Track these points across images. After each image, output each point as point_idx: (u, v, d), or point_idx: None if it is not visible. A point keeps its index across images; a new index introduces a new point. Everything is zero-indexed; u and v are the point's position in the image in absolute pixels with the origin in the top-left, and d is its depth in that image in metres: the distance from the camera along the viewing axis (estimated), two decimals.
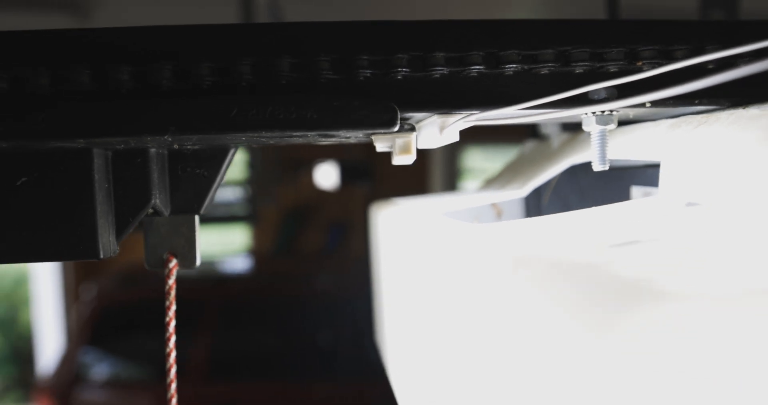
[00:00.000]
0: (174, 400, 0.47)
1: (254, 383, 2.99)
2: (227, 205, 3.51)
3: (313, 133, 0.38)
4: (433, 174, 4.12)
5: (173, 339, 0.47)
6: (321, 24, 0.38)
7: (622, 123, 0.54)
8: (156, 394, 3.17)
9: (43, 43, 0.38)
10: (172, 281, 0.46)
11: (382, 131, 0.38)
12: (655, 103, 0.45)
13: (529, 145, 0.78)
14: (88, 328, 3.19)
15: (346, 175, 4.28)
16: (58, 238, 0.40)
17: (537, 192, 0.75)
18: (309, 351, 3.10)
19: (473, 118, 0.40)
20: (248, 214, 2.88)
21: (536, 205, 0.78)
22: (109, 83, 0.38)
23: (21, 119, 0.37)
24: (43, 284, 4.93)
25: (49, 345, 4.91)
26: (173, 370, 0.46)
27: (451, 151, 4.02)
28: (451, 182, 4.13)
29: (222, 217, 3.38)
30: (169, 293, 0.47)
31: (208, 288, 3.41)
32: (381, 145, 0.40)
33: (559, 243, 0.34)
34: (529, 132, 0.80)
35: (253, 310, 3.21)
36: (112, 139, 0.37)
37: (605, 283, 0.21)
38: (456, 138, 0.41)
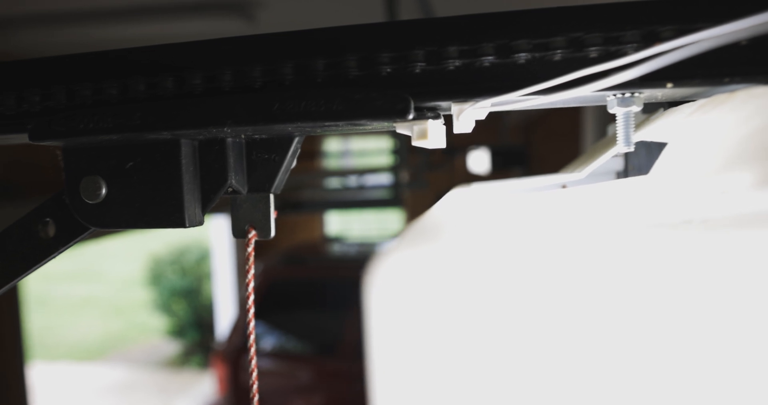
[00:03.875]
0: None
1: None
2: (380, 190, 3.66)
3: (341, 123, 0.44)
4: None
5: (252, 297, 0.56)
6: (345, 28, 0.45)
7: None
8: (315, 367, 3.44)
9: (137, 59, 0.49)
10: (251, 249, 0.56)
11: (398, 120, 0.43)
12: (678, 84, 0.44)
13: (612, 128, 0.77)
14: (256, 303, 3.53)
15: (498, 160, 4.25)
16: (155, 209, 0.50)
17: (625, 171, 0.75)
18: None
19: (486, 103, 0.44)
20: (395, 199, 3.02)
21: None
22: (185, 87, 0.48)
23: (125, 117, 0.48)
24: (221, 261, 5.56)
25: (226, 315, 5.52)
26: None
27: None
28: None
29: (375, 201, 3.55)
30: (248, 259, 0.56)
31: (364, 269, 3.60)
32: (403, 131, 0.46)
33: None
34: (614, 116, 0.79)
35: None
36: (186, 132, 0.47)
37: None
38: (472, 124, 0.45)
